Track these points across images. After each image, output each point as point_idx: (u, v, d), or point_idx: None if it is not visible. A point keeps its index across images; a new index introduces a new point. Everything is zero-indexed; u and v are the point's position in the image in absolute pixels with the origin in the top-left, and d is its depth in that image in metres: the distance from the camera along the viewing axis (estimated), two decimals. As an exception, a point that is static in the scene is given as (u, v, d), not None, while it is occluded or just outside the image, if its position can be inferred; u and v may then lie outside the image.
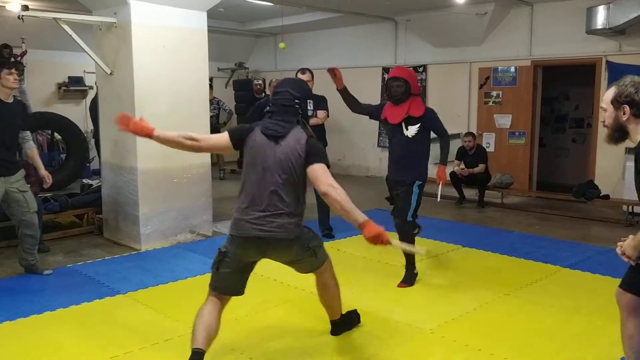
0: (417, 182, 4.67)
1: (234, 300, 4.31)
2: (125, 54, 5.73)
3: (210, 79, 12.81)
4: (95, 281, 4.87)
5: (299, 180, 3.16)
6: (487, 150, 8.95)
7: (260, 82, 11.17)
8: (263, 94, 10.91)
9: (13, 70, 4.72)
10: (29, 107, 10.02)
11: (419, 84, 4.80)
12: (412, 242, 4.50)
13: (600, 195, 7.55)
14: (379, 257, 5.55)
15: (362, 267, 5.30)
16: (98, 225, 6.52)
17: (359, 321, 3.88)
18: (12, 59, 9.94)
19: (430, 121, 4.68)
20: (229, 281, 3.27)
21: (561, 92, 10.53)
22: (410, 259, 4.77)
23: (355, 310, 3.90)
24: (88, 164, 10.10)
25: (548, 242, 6.25)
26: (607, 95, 2.75)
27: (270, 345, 3.65)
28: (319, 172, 3.10)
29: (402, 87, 4.59)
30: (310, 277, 4.90)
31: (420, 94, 4.82)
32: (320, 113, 6.32)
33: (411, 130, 4.63)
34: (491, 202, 8.43)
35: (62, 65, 10.64)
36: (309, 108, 3.35)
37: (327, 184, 3.05)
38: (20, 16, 5.30)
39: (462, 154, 8.43)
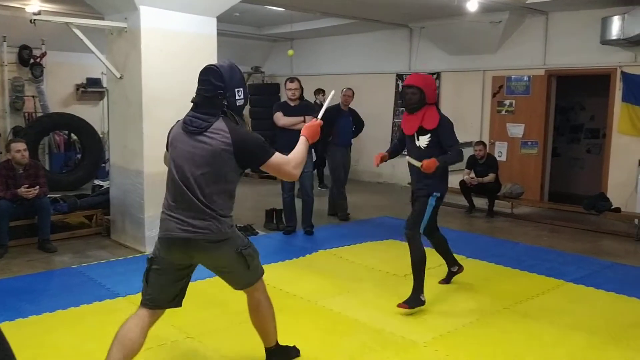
0: (434, 193, 4.45)
1: (226, 306, 4.38)
2: (135, 58, 5.81)
3: (226, 83, 13.06)
4: (96, 283, 4.93)
5: (226, 178, 2.90)
6: (499, 159, 8.88)
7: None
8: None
9: None
10: (47, 107, 10.27)
11: (436, 92, 4.59)
12: (421, 264, 4.43)
13: (612, 208, 7.44)
14: (381, 266, 5.55)
15: (362, 276, 5.28)
16: (106, 226, 6.60)
17: (296, 356, 3.52)
18: (32, 61, 10.18)
19: (440, 133, 4.42)
20: (161, 292, 2.97)
21: (577, 102, 10.39)
22: (418, 277, 4.42)
23: (295, 346, 3.55)
24: (103, 165, 10.23)
25: (554, 254, 6.17)
26: None
27: (263, 354, 3.65)
28: (275, 169, 2.97)
29: (417, 95, 4.41)
30: (312, 285, 4.98)
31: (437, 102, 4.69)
32: (309, 119, 6.59)
33: (422, 141, 4.47)
34: (501, 212, 8.36)
35: (80, 67, 10.80)
36: (238, 97, 2.93)
37: (292, 171, 2.99)
38: (33, 20, 5.39)
39: (472, 163, 8.37)
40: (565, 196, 9.39)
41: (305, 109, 6.74)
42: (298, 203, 6.95)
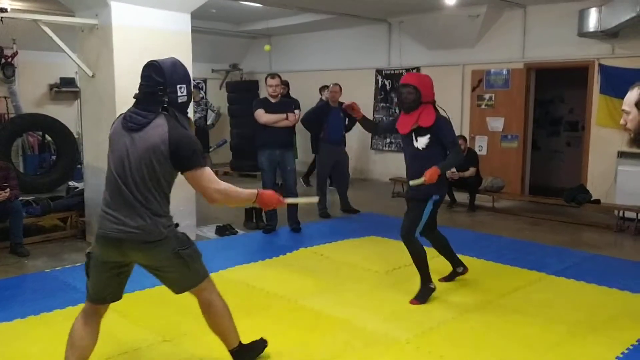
0: (433, 196, 4.33)
1: (199, 311, 4.25)
2: (107, 56, 5.67)
3: (204, 80, 12.93)
4: (71, 287, 4.79)
5: (162, 178, 2.80)
6: (480, 153, 8.87)
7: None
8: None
9: None
10: (20, 108, 10.05)
11: (433, 91, 4.41)
12: (423, 261, 4.43)
13: (592, 200, 7.46)
14: (363, 263, 5.48)
15: (344, 274, 5.21)
16: (81, 229, 6.45)
17: (264, 347, 3.47)
18: (3, 60, 9.94)
19: (438, 130, 4.31)
20: (100, 286, 2.92)
21: (556, 95, 10.43)
22: (423, 271, 4.44)
23: (262, 338, 3.49)
24: (79, 166, 10.03)
25: (536, 247, 6.16)
26: (630, 97, 2.63)
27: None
28: (197, 181, 2.82)
29: (412, 94, 4.29)
30: (293, 284, 4.89)
31: (435, 101, 4.45)
32: (291, 116, 6.68)
33: (421, 142, 4.35)
34: (482, 206, 8.35)
35: (53, 66, 10.58)
36: (180, 94, 2.83)
37: (214, 192, 2.83)
38: (0, 18, 5.23)
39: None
40: (546, 189, 9.43)
41: (287, 105, 6.68)
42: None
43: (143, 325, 4.02)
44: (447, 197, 8.33)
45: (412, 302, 4.38)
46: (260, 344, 3.46)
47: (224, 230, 6.76)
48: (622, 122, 2.78)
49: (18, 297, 4.62)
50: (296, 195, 6.81)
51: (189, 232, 6.34)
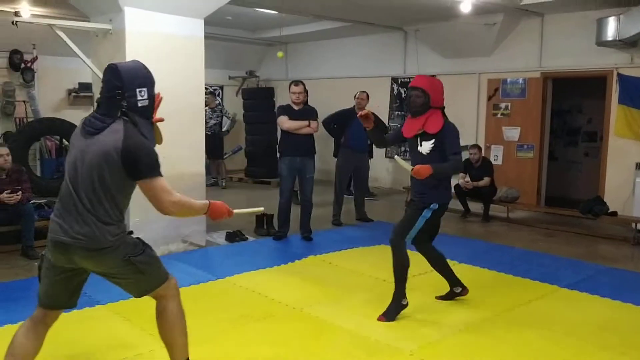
0: (431, 204, 4.15)
1: (210, 314, 4.26)
2: (119, 60, 5.65)
3: (221, 87, 12.99)
4: (78, 290, 4.80)
5: (113, 185, 2.68)
6: (495, 163, 8.77)
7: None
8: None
9: None
10: (38, 112, 10.18)
11: (443, 96, 4.24)
12: (403, 271, 4.21)
13: (608, 212, 7.31)
14: (371, 271, 5.41)
15: (351, 282, 5.15)
16: (92, 232, 6.46)
17: None
18: (23, 65, 10.10)
19: (443, 138, 4.11)
20: (50, 291, 2.84)
21: (574, 105, 10.28)
22: (400, 283, 4.22)
23: None
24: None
25: (549, 259, 6.04)
26: None
27: (241, 362, 3.54)
28: (151, 191, 2.68)
29: (421, 97, 4.11)
30: (299, 292, 4.85)
31: (444, 107, 4.27)
32: (313, 123, 6.63)
33: (425, 147, 4.17)
34: (497, 216, 8.23)
35: (72, 72, 10.68)
36: (140, 97, 2.73)
37: (166, 204, 2.69)
38: (14, 22, 5.29)
39: (467, 167, 8.24)
40: (563, 200, 9.27)
41: (310, 112, 6.67)
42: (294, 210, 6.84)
43: (148, 330, 3.99)
44: (460, 207, 8.25)
45: (380, 318, 4.16)
46: None
47: (234, 237, 6.74)
48: None
49: (25, 299, 4.61)
50: (311, 205, 6.80)
51: (199, 237, 6.39)
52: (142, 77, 2.79)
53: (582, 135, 10.32)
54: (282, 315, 4.33)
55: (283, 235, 6.76)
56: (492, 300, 4.71)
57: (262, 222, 7.16)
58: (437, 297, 4.65)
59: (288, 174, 6.59)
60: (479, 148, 8.31)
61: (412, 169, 3.98)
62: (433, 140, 4.14)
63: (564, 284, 5.15)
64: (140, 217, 5.81)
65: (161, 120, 3.00)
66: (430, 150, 4.16)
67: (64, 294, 2.88)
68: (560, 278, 5.31)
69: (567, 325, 4.19)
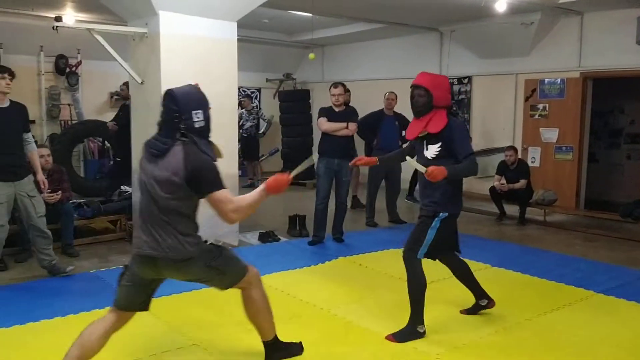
0: (440, 214, 3.85)
1: (238, 314, 4.28)
2: (155, 63, 5.83)
3: (258, 90, 13.12)
4: (112, 288, 4.86)
5: (184, 200, 2.93)
6: (532, 165, 8.60)
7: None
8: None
9: (6, 75, 4.85)
10: (82, 114, 10.48)
11: (449, 94, 3.99)
12: (418, 292, 3.93)
13: (650, 215, 7.09)
14: (400, 273, 5.32)
15: (380, 284, 5.14)
16: (129, 231, 6.63)
17: (299, 352, 3.52)
18: (68, 69, 10.43)
19: (450, 139, 3.80)
20: (128, 295, 3.10)
21: (616, 106, 9.99)
22: (416, 305, 3.90)
23: (300, 343, 3.58)
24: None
25: (586, 264, 5.89)
26: None
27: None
28: (214, 205, 2.92)
29: (424, 97, 3.83)
30: (327, 293, 4.87)
31: (451, 107, 4.05)
32: (352, 125, 6.61)
33: (431, 151, 3.88)
34: (533, 219, 8.07)
35: (114, 75, 10.90)
36: (196, 119, 2.95)
37: (229, 213, 2.91)
38: (55, 27, 5.47)
39: (503, 169, 8.11)
40: (604, 203, 9.01)
41: (349, 114, 6.68)
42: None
43: (176, 328, 4.08)
44: (496, 210, 8.12)
45: (389, 338, 3.86)
46: (295, 348, 3.54)
47: (266, 237, 6.80)
48: None
49: (61, 296, 4.78)
50: (346, 207, 6.84)
51: (232, 238, 6.47)
52: (196, 100, 3.00)
53: (625, 137, 10.02)
54: (309, 315, 4.36)
55: (319, 240, 6.67)
56: (523, 304, 4.62)
57: (295, 223, 7.21)
58: (461, 311, 4.41)
59: (324, 173, 6.59)
60: (515, 150, 8.15)
61: (426, 171, 3.62)
62: (440, 144, 3.84)
63: (600, 289, 5.01)
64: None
65: None
66: (437, 155, 3.85)
67: (139, 298, 3.13)
68: (597, 283, 5.17)
69: (601, 331, 4.08)
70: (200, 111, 2.96)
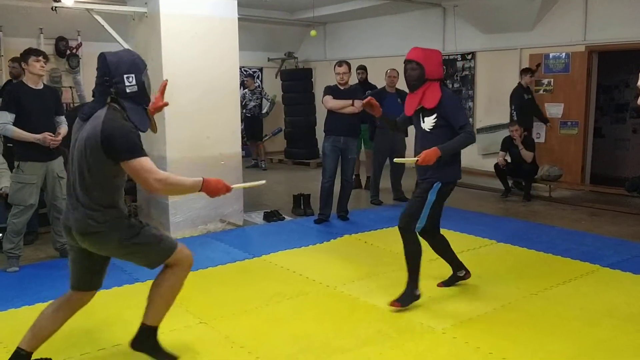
0: (436, 183, 3.96)
1: (245, 291, 4.34)
2: (155, 43, 5.79)
3: (260, 69, 13.04)
4: (119, 268, 4.90)
5: (99, 170, 2.77)
6: (537, 140, 8.55)
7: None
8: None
9: (40, 58, 4.84)
10: (83, 97, 10.45)
11: (441, 67, 4.06)
12: (416, 259, 4.04)
13: (657, 189, 7.05)
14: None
15: (385, 261, 5.14)
16: (134, 212, 6.64)
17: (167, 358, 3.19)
18: (68, 52, 10.36)
19: (444, 109, 3.92)
20: (74, 272, 3.01)
21: (622, 80, 9.89)
22: (413, 272, 4.04)
23: (173, 356, 3.21)
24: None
25: (592, 238, 5.88)
26: None
27: (274, 340, 3.57)
28: (134, 172, 2.73)
29: (416, 70, 3.93)
30: (333, 270, 4.88)
31: (443, 79, 4.09)
32: (357, 102, 6.52)
33: (427, 123, 4.00)
34: (539, 195, 8.05)
35: (115, 57, 10.91)
36: (128, 83, 2.80)
37: (150, 181, 2.74)
38: (54, 7, 5.42)
39: (508, 144, 8.05)
40: (610, 179, 8.98)
41: (354, 92, 6.66)
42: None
43: (184, 307, 4.09)
44: (501, 186, 8.10)
45: (393, 303, 3.95)
46: (165, 355, 3.19)
47: (271, 216, 6.80)
48: None
49: (66, 277, 4.78)
50: (352, 185, 6.82)
51: (237, 217, 6.48)
52: (128, 63, 2.84)
53: (630, 112, 9.93)
54: (315, 293, 4.37)
55: (325, 218, 6.65)
56: (529, 278, 4.62)
57: (299, 202, 7.20)
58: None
59: (331, 152, 6.58)
60: (519, 124, 8.09)
61: (417, 160, 3.79)
62: (435, 115, 3.95)
63: (606, 263, 5.00)
64: (178, 197, 5.94)
65: (165, 104, 3.24)
66: (433, 126, 3.97)
67: (86, 275, 3.03)
68: (603, 257, 5.16)
69: (607, 304, 4.08)
70: (132, 75, 2.81)
